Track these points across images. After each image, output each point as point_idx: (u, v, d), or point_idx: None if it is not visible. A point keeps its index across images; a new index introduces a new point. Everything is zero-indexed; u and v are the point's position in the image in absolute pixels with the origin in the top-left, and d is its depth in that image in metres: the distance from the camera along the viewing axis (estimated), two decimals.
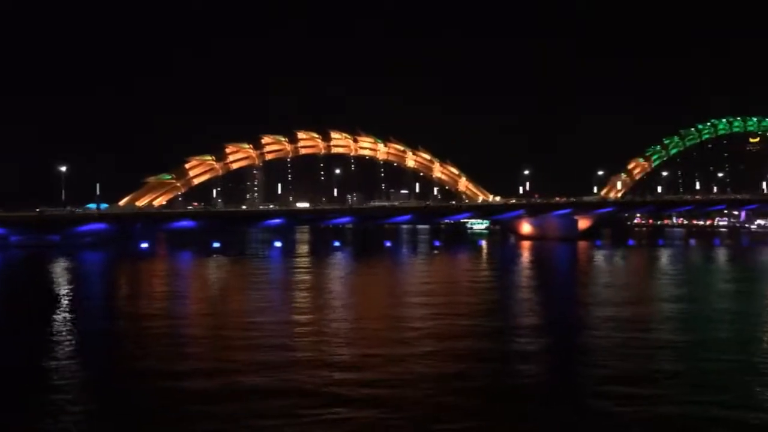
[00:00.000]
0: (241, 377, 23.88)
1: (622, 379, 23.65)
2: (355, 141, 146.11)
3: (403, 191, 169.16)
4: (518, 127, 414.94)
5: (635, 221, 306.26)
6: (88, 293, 52.18)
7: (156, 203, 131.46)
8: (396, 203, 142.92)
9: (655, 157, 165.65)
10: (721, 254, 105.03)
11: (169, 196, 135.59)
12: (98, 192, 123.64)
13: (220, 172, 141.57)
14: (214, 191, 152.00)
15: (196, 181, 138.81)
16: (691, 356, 27.65)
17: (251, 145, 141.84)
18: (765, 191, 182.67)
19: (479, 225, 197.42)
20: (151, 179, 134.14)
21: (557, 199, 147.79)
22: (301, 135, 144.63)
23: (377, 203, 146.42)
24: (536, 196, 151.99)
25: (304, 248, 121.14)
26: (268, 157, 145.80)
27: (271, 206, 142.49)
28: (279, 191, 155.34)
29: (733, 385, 22.99)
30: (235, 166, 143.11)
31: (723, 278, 65.61)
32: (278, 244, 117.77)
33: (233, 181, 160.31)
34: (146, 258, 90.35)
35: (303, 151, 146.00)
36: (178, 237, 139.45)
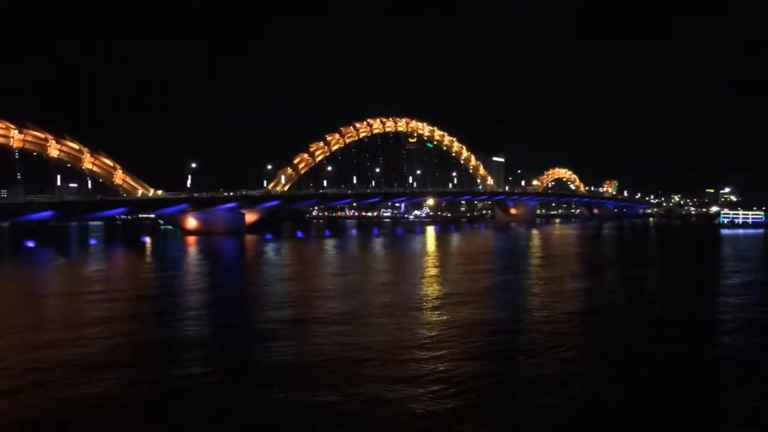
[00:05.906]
0: None
1: None
2: None
3: (72, 185, 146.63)
4: (189, 123, 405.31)
5: (314, 214, 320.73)
6: None
7: None
8: (23, 200, 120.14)
9: (318, 152, 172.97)
10: (376, 243, 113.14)
11: None
12: None
13: None
14: None
15: None
16: None
17: None
18: (414, 186, 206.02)
19: None
20: None
21: (223, 193, 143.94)
22: None
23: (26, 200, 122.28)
24: (222, 190, 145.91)
25: None
26: None
27: None
28: None
29: None
30: None
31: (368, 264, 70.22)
32: None
33: None
34: None
35: None
36: None
